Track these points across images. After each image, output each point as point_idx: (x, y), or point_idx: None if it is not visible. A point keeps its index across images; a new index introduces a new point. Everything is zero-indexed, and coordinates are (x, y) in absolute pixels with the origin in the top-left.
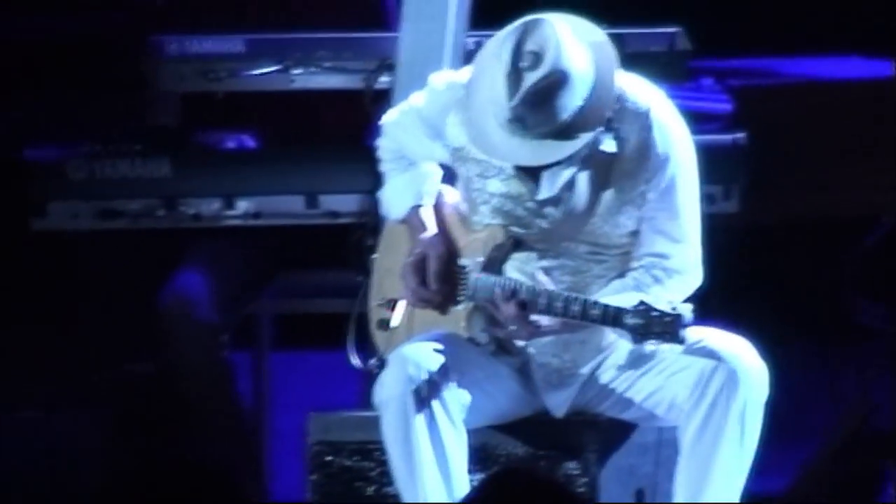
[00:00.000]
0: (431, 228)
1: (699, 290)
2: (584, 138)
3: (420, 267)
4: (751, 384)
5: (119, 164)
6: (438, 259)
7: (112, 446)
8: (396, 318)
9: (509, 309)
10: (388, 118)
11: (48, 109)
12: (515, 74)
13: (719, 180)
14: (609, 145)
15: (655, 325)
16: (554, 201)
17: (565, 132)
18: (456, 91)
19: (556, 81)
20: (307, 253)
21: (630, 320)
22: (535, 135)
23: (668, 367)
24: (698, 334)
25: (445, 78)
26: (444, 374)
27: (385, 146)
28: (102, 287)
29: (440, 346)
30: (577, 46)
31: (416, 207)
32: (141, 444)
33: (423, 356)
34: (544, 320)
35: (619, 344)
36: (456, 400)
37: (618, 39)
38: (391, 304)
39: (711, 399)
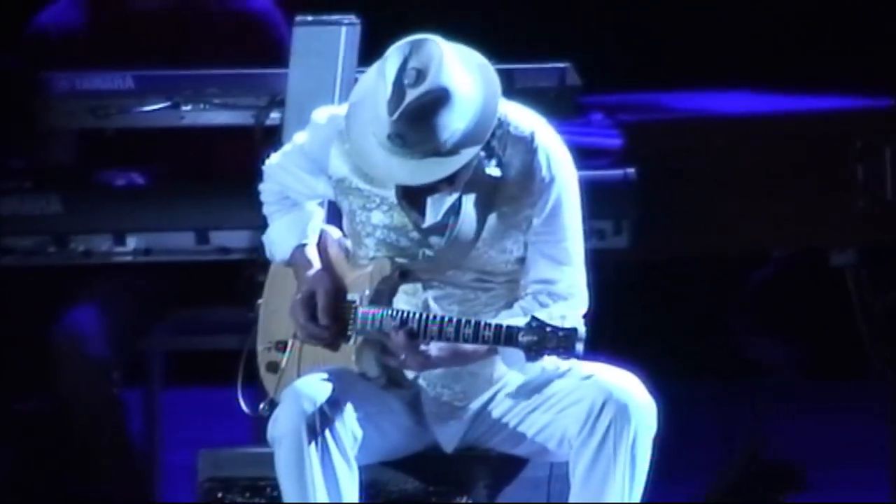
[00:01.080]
0: (317, 265)
1: (588, 325)
2: (464, 158)
3: (309, 303)
4: (640, 419)
5: (9, 201)
6: (326, 294)
7: (2, 483)
8: (286, 359)
9: (399, 338)
10: (270, 161)
11: None
12: (398, 91)
13: (609, 215)
14: (493, 170)
15: (550, 341)
16: (438, 229)
17: (445, 151)
18: (338, 124)
19: (438, 98)
20: (198, 289)
21: (524, 337)
22: (416, 153)
23: (559, 402)
24: (588, 369)
25: (327, 112)
26: (337, 409)
27: (267, 189)
28: None
29: (333, 382)
30: (461, 67)
31: (301, 246)
32: (31, 481)
33: (317, 391)
34: (433, 349)
35: (510, 378)
36: (349, 435)
37: (507, 75)
38: (280, 346)
39: (601, 434)
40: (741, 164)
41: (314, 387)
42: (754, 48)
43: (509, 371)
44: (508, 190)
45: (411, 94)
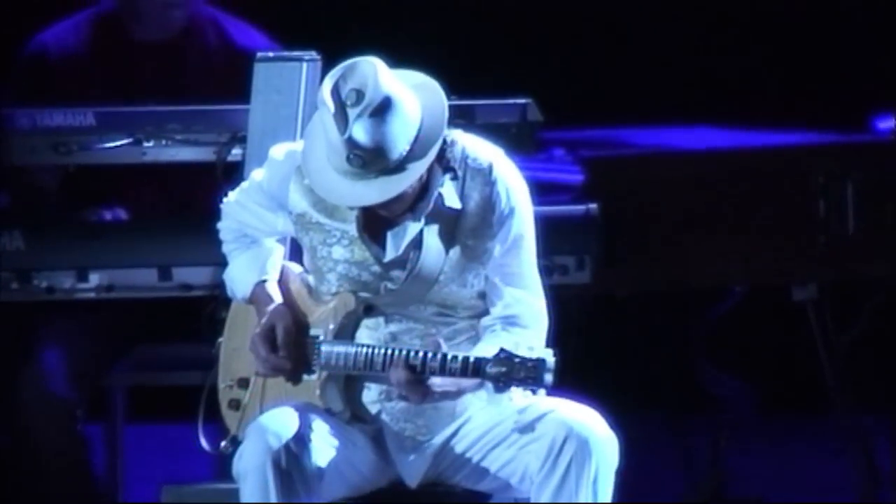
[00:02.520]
0: (278, 300)
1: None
2: (419, 168)
3: (269, 336)
4: (602, 453)
5: None
6: (286, 327)
7: None
8: (248, 395)
9: (400, 374)
10: (228, 199)
11: None
12: (342, 113)
13: (572, 251)
14: (453, 201)
15: (518, 372)
16: (400, 263)
17: (401, 164)
18: (295, 159)
19: (381, 107)
20: (161, 325)
21: (492, 369)
22: (375, 171)
23: (520, 438)
24: (549, 404)
25: (284, 148)
26: (302, 444)
27: (226, 227)
28: None
29: (298, 417)
30: (397, 81)
31: (261, 283)
32: None
33: (282, 426)
34: (434, 383)
35: (473, 412)
36: (315, 471)
37: (468, 111)
38: (242, 383)
39: (563, 469)
40: (703, 200)
41: (279, 422)
42: (715, 83)
43: (472, 405)
44: (469, 222)
45: (355, 112)
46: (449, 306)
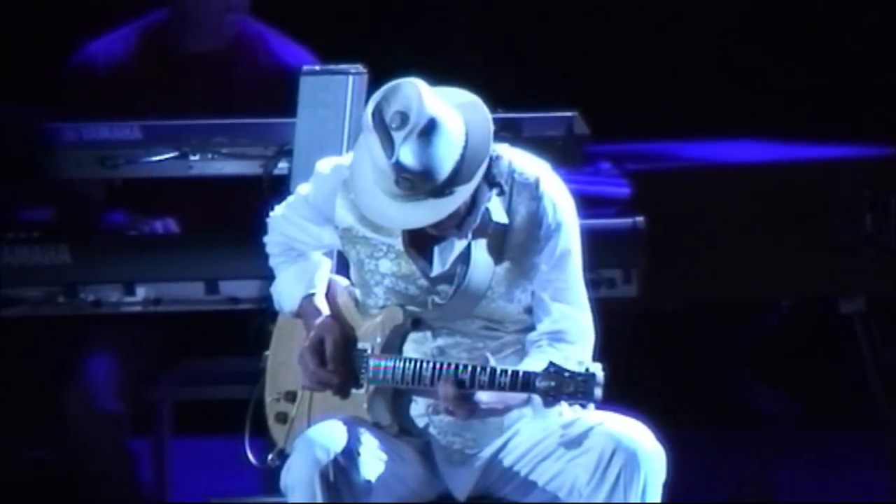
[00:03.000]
0: (326, 313)
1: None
2: (468, 188)
3: (318, 350)
4: (650, 466)
5: (18, 252)
6: (335, 341)
7: None
8: (295, 409)
9: (448, 390)
10: (274, 213)
11: None
12: (387, 137)
13: (618, 264)
14: (500, 216)
15: (568, 386)
16: (447, 278)
17: (447, 185)
18: (342, 174)
19: (426, 129)
20: (207, 339)
21: (541, 383)
22: (423, 194)
23: (568, 451)
24: (597, 418)
25: (331, 162)
26: (351, 457)
27: (273, 241)
28: (1, 373)
29: (346, 430)
30: (440, 102)
31: (309, 296)
32: None
33: (331, 440)
34: (483, 398)
35: (521, 425)
36: (363, 484)
37: (514, 124)
38: (289, 397)
39: (612, 481)
40: (749, 213)
41: (328, 435)
42: (761, 96)
43: (520, 419)
44: (516, 237)
45: (401, 136)
46: (496, 321)
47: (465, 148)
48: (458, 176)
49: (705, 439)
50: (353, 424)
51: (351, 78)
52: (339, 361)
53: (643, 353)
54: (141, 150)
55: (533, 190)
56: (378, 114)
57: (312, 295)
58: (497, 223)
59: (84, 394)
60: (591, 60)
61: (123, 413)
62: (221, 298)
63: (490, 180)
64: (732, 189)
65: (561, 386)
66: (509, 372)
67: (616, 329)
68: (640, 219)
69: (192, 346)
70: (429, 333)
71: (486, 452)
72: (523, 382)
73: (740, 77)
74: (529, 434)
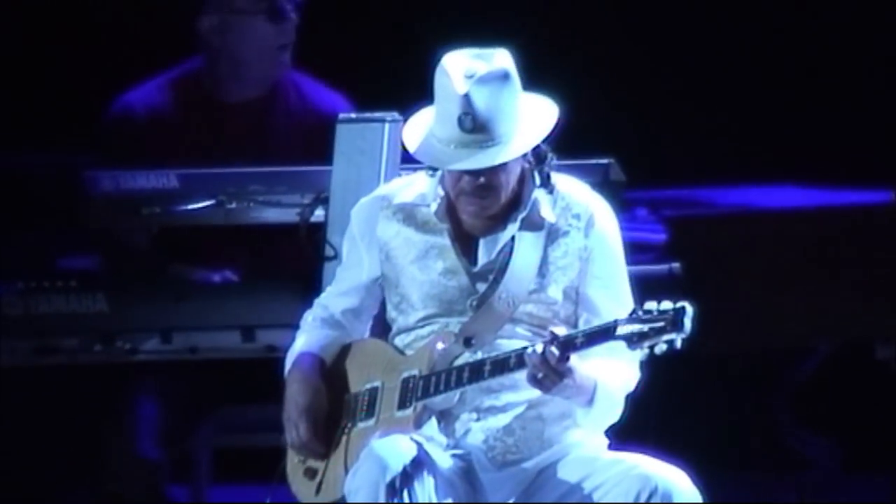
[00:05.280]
0: (311, 377)
1: (632, 417)
2: (523, 146)
3: (311, 416)
4: None
5: (55, 300)
6: (319, 407)
7: None
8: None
9: (551, 354)
10: (305, 317)
11: None
12: (464, 78)
13: None
14: (548, 213)
15: (656, 323)
16: (485, 275)
17: (505, 139)
18: (380, 192)
19: (500, 78)
20: (245, 387)
21: (624, 328)
22: (477, 140)
23: (606, 493)
24: (634, 460)
25: (363, 200)
26: (417, 468)
27: (312, 314)
28: (39, 421)
29: (411, 443)
30: (515, 70)
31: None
32: None
33: (398, 450)
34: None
35: (560, 448)
36: (426, 496)
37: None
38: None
39: None
40: (786, 258)
41: (395, 446)
42: (799, 142)
43: (564, 431)
44: (560, 238)
45: (475, 77)
46: (536, 325)
47: (531, 110)
48: (518, 131)
49: (746, 483)
50: (412, 440)
51: (387, 125)
52: (324, 430)
53: (681, 397)
54: (178, 199)
55: (577, 196)
56: (456, 60)
57: (308, 353)
58: (544, 219)
59: (123, 441)
60: (628, 107)
61: (162, 460)
62: (258, 347)
63: (541, 176)
64: (769, 235)
65: (648, 326)
66: (589, 329)
67: (654, 373)
68: (676, 264)
69: (229, 394)
70: (476, 349)
71: (530, 465)
72: (604, 332)
73: (777, 122)
74: (574, 468)
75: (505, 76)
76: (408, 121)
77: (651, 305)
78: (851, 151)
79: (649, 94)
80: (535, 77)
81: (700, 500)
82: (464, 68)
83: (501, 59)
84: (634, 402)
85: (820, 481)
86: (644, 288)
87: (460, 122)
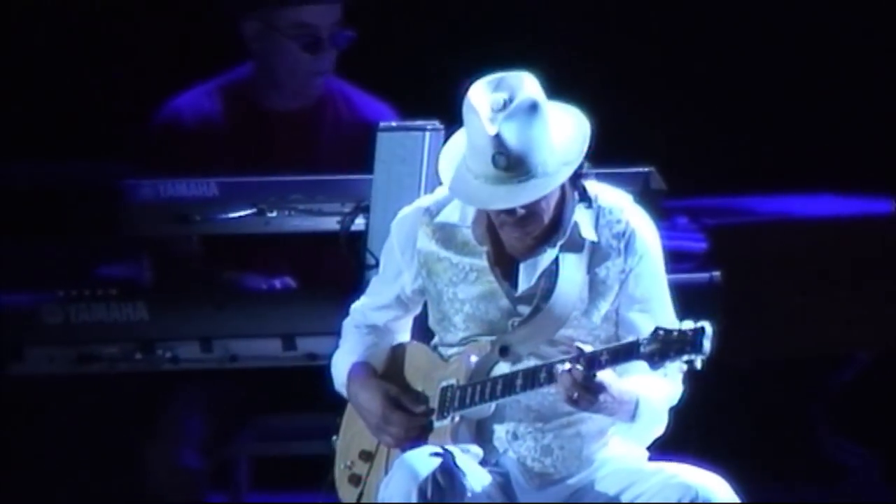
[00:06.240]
0: (370, 377)
1: (676, 426)
2: (561, 176)
3: (397, 404)
4: None
5: (95, 309)
6: (398, 393)
7: None
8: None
9: (577, 373)
10: (345, 322)
11: (23, 254)
12: (491, 116)
13: (695, 319)
14: (588, 232)
15: (675, 344)
16: (530, 298)
17: (541, 170)
18: (419, 207)
19: (528, 110)
20: (285, 395)
21: (646, 348)
22: (513, 175)
23: (646, 500)
24: (674, 469)
25: (403, 211)
26: (449, 477)
27: (350, 321)
28: (79, 430)
29: (444, 453)
30: (542, 93)
31: (358, 364)
32: None
33: (430, 459)
34: (605, 378)
35: (606, 462)
36: None
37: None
38: (362, 456)
39: None
40: (825, 267)
41: (427, 456)
42: (838, 150)
43: (602, 447)
44: (602, 256)
45: (504, 113)
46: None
47: (564, 137)
48: (553, 162)
49: (783, 494)
50: (445, 451)
51: (427, 134)
52: (417, 402)
53: (719, 407)
54: (218, 207)
55: (618, 212)
56: (481, 95)
57: (358, 363)
58: (585, 239)
59: (163, 450)
60: (668, 116)
61: (202, 469)
62: (299, 355)
63: (580, 192)
64: (808, 243)
65: (667, 345)
66: (612, 346)
67: (693, 382)
68: (716, 273)
69: (269, 402)
70: (514, 361)
71: (571, 482)
72: (627, 350)
73: (817, 131)
74: (614, 479)
75: (533, 106)
76: (442, 149)
77: (673, 325)
78: (892, 160)
79: (690, 103)
80: (574, 84)
81: None
82: (490, 102)
83: (527, 86)
84: (673, 411)
85: (857, 490)
86: (684, 297)
87: (494, 161)
